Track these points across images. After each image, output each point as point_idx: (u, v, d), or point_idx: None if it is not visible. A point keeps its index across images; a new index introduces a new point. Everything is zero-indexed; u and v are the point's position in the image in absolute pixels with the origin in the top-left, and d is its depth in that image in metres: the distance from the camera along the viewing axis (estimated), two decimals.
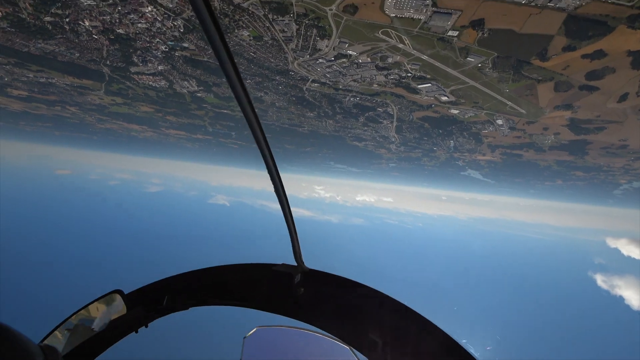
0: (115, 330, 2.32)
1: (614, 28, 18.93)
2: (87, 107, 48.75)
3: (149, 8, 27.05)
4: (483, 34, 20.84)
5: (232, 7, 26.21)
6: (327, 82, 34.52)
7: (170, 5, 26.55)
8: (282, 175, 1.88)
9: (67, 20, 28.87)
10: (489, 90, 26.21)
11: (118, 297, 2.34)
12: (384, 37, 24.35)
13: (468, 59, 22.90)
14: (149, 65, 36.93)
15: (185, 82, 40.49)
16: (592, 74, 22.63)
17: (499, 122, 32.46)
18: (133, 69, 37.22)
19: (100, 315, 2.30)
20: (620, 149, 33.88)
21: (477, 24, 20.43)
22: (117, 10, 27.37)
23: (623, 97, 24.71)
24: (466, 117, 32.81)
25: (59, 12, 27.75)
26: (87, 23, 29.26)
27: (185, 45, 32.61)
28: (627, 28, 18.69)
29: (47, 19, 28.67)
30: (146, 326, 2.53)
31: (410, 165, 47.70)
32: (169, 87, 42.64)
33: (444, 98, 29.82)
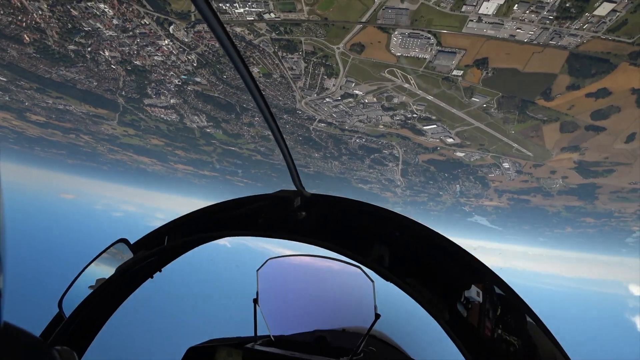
0: (130, 278, 2.28)
1: (616, 65, 18.89)
2: (100, 137, 49.81)
3: (166, 41, 28.32)
4: (487, 73, 20.94)
5: (244, 44, 27.16)
6: (334, 122, 34.61)
7: (186, 40, 27.72)
8: None
9: (89, 49, 30.31)
10: (494, 131, 25.67)
11: (124, 246, 2.32)
12: (389, 76, 24.47)
13: (473, 99, 22.69)
14: (162, 98, 38.00)
15: (196, 117, 41.24)
16: (598, 113, 22.22)
17: (506, 165, 31.44)
18: (147, 101, 38.29)
19: (110, 264, 2.26)
20: (631, 192, 32.33)
21: (481, 63, 20.61)
22: (135, 42, 28.71)
23: (630, 138, 24.08)
24: (472, 160, 31.94)
25: (82, 41, 29.18)
26: (107, 53, 30.62)
27: (198, 79, 33.56)
28: (629, 65, 18.63)
29: (71, 47, 30.18)
30: (160, 270, 2.54)
31: (416, 210, 46.12)
32: (179, 121, 43.52)
33: (450, 140, 29.21)
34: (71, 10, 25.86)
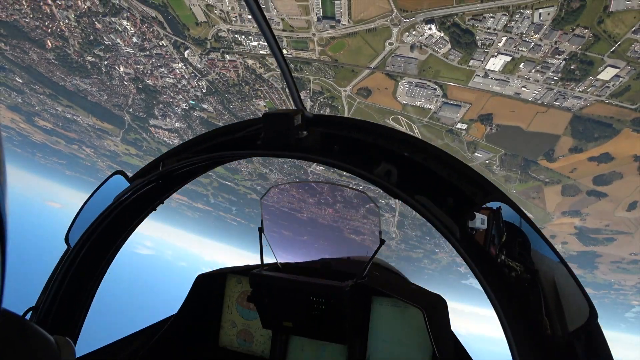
0: (132, 209, 2.21)
1: (619, 131, 18.73)
2: (101, 152, 49.86)
3: (180, 65, 28.88)
4: (491, 129, 20.82)
5: (254, 76, 27.50)
6: (332, 167, 33.87)
7: (199, 66, 28.23)
8: None
9: (105, 62, 31.05)
10: None
11: (121, 177, 2.26)
12: (394, 123, 24.06)
13: (476, 154, 22.18)
14: (167, 120, 38.14)
15: None
16: (600, 178, 21.87)
17: None
18: (152, 121, 38.37)
19: (108, 196, 2.18)
20: (632, 264, 30.78)
21: (486, 118, 20.49)
22: (150, 62, 29.35)
23: (632, 206, 23.46)
24: None
25: (100, 54, 30.01)
26: (121, 69, 31.31)
27: (205, 106, 33.79)
28: (632, 132, 18.47)
29: (89, 58, 30.97)
30: (162, 202, 2.51)
31: (410, 266, 43.30)
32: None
33: None
34: (96, 22, 26.84)
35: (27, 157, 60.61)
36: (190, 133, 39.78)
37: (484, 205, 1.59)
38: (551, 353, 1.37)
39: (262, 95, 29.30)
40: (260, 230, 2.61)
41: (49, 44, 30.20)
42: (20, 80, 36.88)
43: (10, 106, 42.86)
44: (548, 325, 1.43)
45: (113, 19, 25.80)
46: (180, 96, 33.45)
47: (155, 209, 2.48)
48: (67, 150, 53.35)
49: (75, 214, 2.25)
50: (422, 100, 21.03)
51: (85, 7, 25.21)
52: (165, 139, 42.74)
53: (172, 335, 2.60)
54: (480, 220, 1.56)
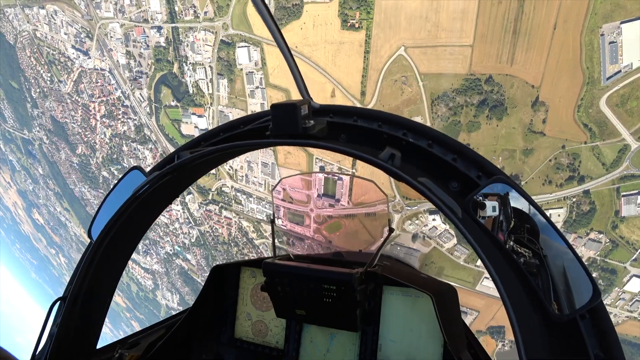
0: (149, 203, 2.25)
1: None
2: (73, 265, 45.18)
3: (179, 207, 27.15)
4: (503, 345, 18.71)
5: (245, 240, 25.17)
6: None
7: (195, 214, 26.52)
8: None
9: (115, 182, 30.59)
10: None
11: (138, 172, 2.27)
12: None
13: None
14: (148, 259, 35.02)
15: (169, 294, 38.21)
16: None
17: None
18: (132, 255, 34.11)
19: (127, 190, 2.19)
20: None
21: (497, 332, 18.46)
22: None
23: None
24: None
25: (115, 172, 30.17)
26: None
27: (189, 257, 30.87)
28: None
29: (104, 173, 31.35)
30: (177, 196, 2.61)
31: None
32: (151, 290, 38.79)
33: None
34: (124, 145, 27.69)
35: (6, 244, 57.24)
36: (166, 280, 35.87)
37: (490, 188, 1.56)
38: (555, 331, 1.38)
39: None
40: (272, 221, 2.88)
41: (80, 150, 31.62)
42: (41, 172, 38.34)
43: (19, 190, 43.50)
44: (555, 306, 1.41)
45: (139, 147, 26.33)
46: (168, 238, 31.30)
47: (171, 202, 2.55)
48: (45, 252, 50.41)
49: (96, 210, 2.29)
50: None
51: (122, 130, 26.27)
52: (139, 277, 38.60)
53: (189, 327, 2.70)
54: (490, 207, 1.57)
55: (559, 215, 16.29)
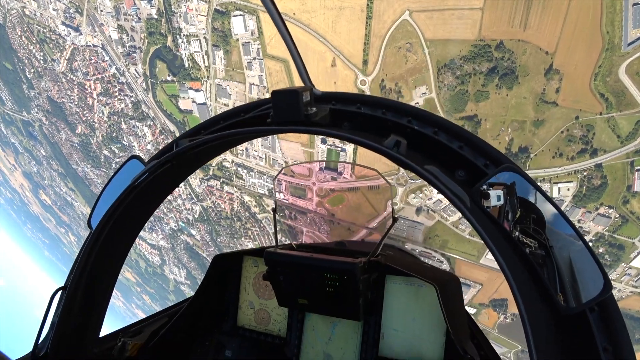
0: (148, 192, 2.17)
1: None
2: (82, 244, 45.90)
3: (181, 184, 26.65)
4: (505, 318, 18.48)
5: (247, 214, 24.27)
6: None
7: (197, 190, 26.11)
8: None
9: (117, 160, 30.51)
10: None
11: (137, 162, 2.23)
12: None
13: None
14: (153, 235, 35.19)
15: (176, 269, 38.26)
16: None
17: None
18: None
19: (125, 179, 2.15)
20: None
21: (499, 304, 18.31)
22: None
23: None
24: None
25: (116, 151, 29.90)
26: None
27: (193, 232, 30.64)
28: None
29: (105, 152, 30.92)
30: (177, 185, 2.51)
31: None
32: (159, 265, 39.22)
33: None
34: (122, 123, 27.03)
35: (18, 225, 58.04)
36: (172, 255, 36.07)
37: (497, 178, 1.52)
38: (564, 324, 1.35)
39: (251, 237, 25.63)
40: (274, 210, 2.83)
41: (79, 130, 30.94)
42: (44, 153, 37.78)
43: (25, 172, 43.44)
44: (561, 298, 1.38)
45: (137, 124, 25.65)
46: (172, 215, 31.09)
47: (171, 192, 2.63)
48: (55, 231, 50.84)
49: (95, 199, 2.27)
50: None
51: (120, 107, 25.46)
52: (146, 253, 38.81)
53: (191, 315, 2.63)
54: (495, 196, 1.52)
55: (568, 190, 15.61)
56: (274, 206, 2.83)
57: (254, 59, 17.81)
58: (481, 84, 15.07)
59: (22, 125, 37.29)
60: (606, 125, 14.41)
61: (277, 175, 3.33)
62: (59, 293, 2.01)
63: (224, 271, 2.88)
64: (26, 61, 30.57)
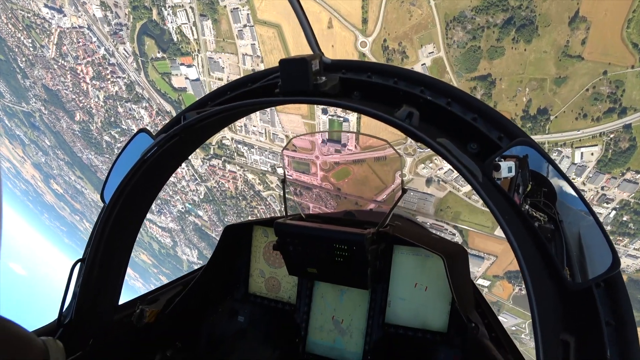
0: (158, 166, 2.13)
1: None
2: None
3: (183, 165, 25.65)
4: (520, 290, 18.12)
5: (252, 193, 23.52)
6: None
7: (200, 170, 25.15)
8: None
9: (119, 145, 29.59)
10: None
11: (145, 135, 2.21)
12: None
13: (500, 317, 14.84)
14: (162, 218, 34.97)
15: (188, 250, 38.45)
16: None
17: None
18: (148, 215, 33.90)
19: (135, 153, 2.10)
20: None
21: (514, 276, 17.73)
22: None
23: None
24: None
25: (116, 136, 29.01)
26: None
27: (200, 213, 30.13)
28: None
29: (106, 138, 30.05)
30: (187, 157, 2.48)
31: None
32: (171, 247, 39.59)
33: None
34: (118, 106, 25.82)
35: (36, 214, 58.77)
36: (183, 237, 35.93)
37: (510, 151, 1.45)
38: (570, 300, 1.34)
39: (258, 215, 25.73)
40: (283, 181, 2.95)
41: (78, 117, 29.87)
42: (48, 143, 36.99)
43: (34, 163, 42.98)
44: (568, 273, 1.37)
45: (133, 106, 24.42)
46: (178, 197, 30.50)
47: (180, 165, 2.44)
48: (70, 219, 51.08)
49: (107, 173, 2.23)
50: None
51: (114, 91, 24.17)
52: (157, 235, 38.78)
53: (205, 283, 2.70)
54: (506, 168, 1.46)
55: (592, 154, 13.99)
56: (283, 177, 2.76)
57: (245, 26, 16.07)
58: (495, 39, 13.18)
59: (24, 117, 36.43)
60: (638, 81, 12.60)
61: (286, 146, 2.69)
62: (79, 264, 2.06)
63: (235, 241, 2.88)
64: (16, 50, 29.09)
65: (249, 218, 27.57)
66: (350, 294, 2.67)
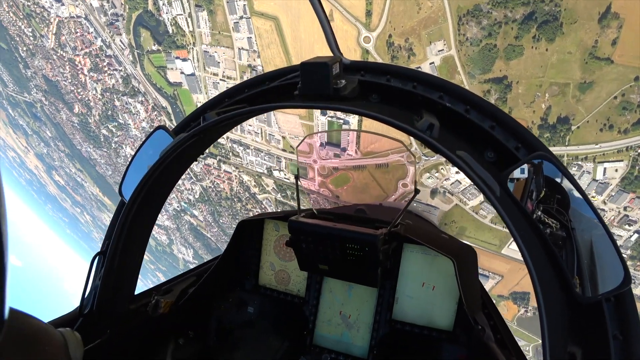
0: (175, 161, 2.08)
1: None
2: (98, 223, 47.82)
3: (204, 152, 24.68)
4: (526, 311, 17.28)
5: (247, 195, 22.20)
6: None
7: (195, 169, 23.76)
8: None
9: (116, 139, 28.69)
10: None
11: (163, 133, 2.12)
12: None
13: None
14: (158, 215, 33.18)
15: (183, 249, 36.43)
16: None
17: None
18: None
19: (154, 151, 2.09)
20: None
21: (520, 297, 16.93)
22: None
23: None
24: None
25: (113, 129, 27.92)
26: (127, 150, 28.70)
27: (195, 213, 28.78)
28: None
29: (104, 131, 29.02)
30: (202, 153, 2.42)
31: None
32: (167, 244, 38.13)
33: None
34: (115, 100, 24.68)
35: (40, 204, 58.34)
36: (178, 235, 34.74)
37: (527, 162, 1.44)
38: (579, 312, 1.34)
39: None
40: (297, 177, 2.82)
41: (77, 109, 28.75)
42: (50, 134, 36.24)
43: (37, 154, 42.19)
44: (578, 282, 1.37)
45: (130, 100, 23.13)
46: (174, 195, 28.78)
47: (195, 160, 2.41)
48: (72, 210, 50.37)
49: (125, 168, 2.20)
50: None
51: (111, 84, 23.04)
52: (154, 232, 37.22)
53: (217, 275, 2.75)
54: (520, 177, 1.45)
55: (616, 171, 12.43)
56: (297, 172, 2.78)
57: (241, 17, 14.69)
58: (514, 36, 11.58)
59: (26, 107, 35.67)
60: None
61: (299, 144, 3.18)
62: (98, 257, 2.07)
63: (248, 235, 2.90)
64: (18, 39, 28.12)
65: (259, 212, 26.61)
66: (358, 289, 2.70)
